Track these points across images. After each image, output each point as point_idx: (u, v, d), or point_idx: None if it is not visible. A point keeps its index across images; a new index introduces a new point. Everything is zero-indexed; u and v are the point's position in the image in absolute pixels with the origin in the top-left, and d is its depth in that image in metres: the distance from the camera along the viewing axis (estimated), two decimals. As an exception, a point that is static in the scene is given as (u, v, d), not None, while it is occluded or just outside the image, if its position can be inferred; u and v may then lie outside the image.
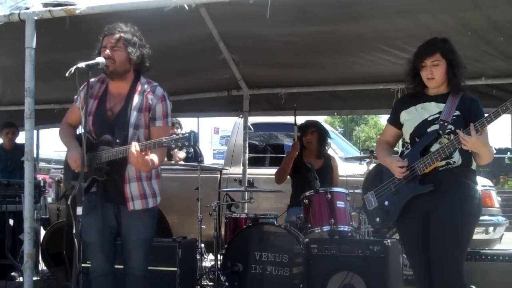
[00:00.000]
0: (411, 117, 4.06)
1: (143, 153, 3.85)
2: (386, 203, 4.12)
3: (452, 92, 3.96)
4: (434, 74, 3.93)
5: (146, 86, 4.24)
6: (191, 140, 3.81)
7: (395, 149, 4.44)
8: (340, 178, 7.12)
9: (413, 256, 4.12)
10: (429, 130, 3.94)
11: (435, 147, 3.89)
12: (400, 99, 4.33)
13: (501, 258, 4.83)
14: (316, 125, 6.88)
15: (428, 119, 3.97)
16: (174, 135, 3.87)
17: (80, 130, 4.30)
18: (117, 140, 4.06)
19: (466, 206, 3.88)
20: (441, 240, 3.81)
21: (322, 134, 6.87)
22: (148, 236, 4.28)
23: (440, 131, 3.88)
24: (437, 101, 3.99)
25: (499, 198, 8.38)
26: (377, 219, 4.20)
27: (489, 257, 4.85)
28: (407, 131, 4.07)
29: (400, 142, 4.34)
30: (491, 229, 7.48)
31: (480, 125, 3.70)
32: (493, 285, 4.71)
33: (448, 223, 3.82)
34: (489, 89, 6.40)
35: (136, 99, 4.17)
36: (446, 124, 3.87)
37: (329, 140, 7.15)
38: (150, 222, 4.30)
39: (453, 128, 3.85)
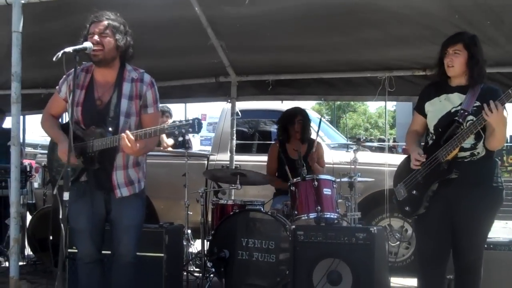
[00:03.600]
0: (435, 109, 4.16)
1: (136, 141, 3.85)
2: (414, 192, 4.21)
3: (470, 84, 4.04)
4: (454, 62, 4.04)
5: (133, 73, 4.23)
6: (195, 127, 3.81)
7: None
8: (327, 165, 7.13)
9: (426, 240, 4.20)
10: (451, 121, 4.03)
11: (456, 135, 3.97)
12: (425, 89, 4.38)
13: (486, 246, 4.84)
14: (300, 113, 6.84)
15: (452, 111, 4.06)
16: (177, 121, 3.86)
17: (65, 119, 4.27)
18: (109, 129, 4.05)
19: (492, 196, 4.02)
20: (468, 230, 3.98)
21: (307, 121, 6.87)
22: (138, 223, 4.31)
23: (460, 119, 3.96)
24: (460, 92, 4.08)
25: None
26: (407, 208, 4.30)
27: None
28: (431, 122, 4.17)
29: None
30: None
31: (501, 102, 3.79)
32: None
33: (475, 214, 3.96)
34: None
35: (125, 86, 4.17)
36: (466, 113, 3.97)
37: (311, 124, 7.13)
38: (140, 208, 4.32)
39: (473, 119, 3.92)
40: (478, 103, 3.97)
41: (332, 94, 8.01)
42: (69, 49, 3.93)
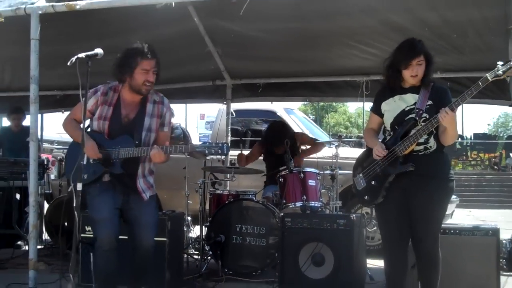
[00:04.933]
0: (390, 108, 4.10)
1: (167, 154, 4.11)
2: (373, 182, 4.15)
3: (423, 85, 4.01)
4: (418, 72, 3.96)
5: (155, 96, 4.34)
6: (224, 150, 4.07)
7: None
8: (311, 159, 7.13)
9: (386, 226, 4.16)
10: (406, 118, 3.99)
11: (412, 132, 3.94)
12: (379, 92, 4.30)
13: (452, 231, 4.86)
14: (287, 135, 6.41)
15: (406, 109, 4.01)
16: (208, 142, 4.20)
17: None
18: (136, 142, 4.18)
19: (444, 187, 4.00)
20: (424, 218, 3.95)
21: (294, 142, 6.72)
22: (157, 219, 4.47)
23: (417, 118, 3.94)
24: (413, 92, 4.03)
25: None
26: (366, 197, 4.23)
27: (441, 231, 4.88)
28: (388, 120, 4.12)
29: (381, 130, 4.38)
30: (444, 205, 7.55)
31: (455, 104, 3.77)
32: (445, 256, 4.75)
33: (429, 204, 3.94)
34: (444, 82, 6.42)
35: (148, 107, 4.29)
36: (421, 112, 3.94)
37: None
38: (155, 206, 4.50)
39: (427, 116, 3.90)
40: (430, 102, 3.95)
41: (316, 96, 8.04)
42: (82, 55, 3.93)
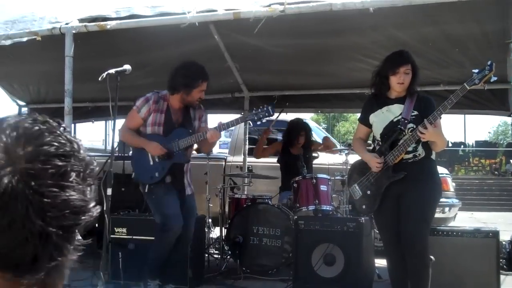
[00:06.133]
0: (378, 119, 4.06)
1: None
2: (369, 192, 4.12)
3: (408, 95, 3.97)
4: (405, 80, 3.92)
5: None
6: (270, 111, 4.38)
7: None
8: (323, 166, 7.13)
9: (385, 231, 4.13)
10: (394, 128, 3.95)
11: (401, 142, 3.90)
12: (367, 103, 4.25)
13: (454, 233, 4.84)
14: (305, 128, 6.77)
15: (394, 120, 3.98)
16: (254, 109, 4.54)
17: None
18: (190, 131, 4.56)
19: (431, 190, 3.94)
20: (412, 218, 3.85)
21: (310, 134, 6.85)
22: (195, 215, 4.94)
23: (402, 127, 3.90)
24: (399, 103, 3.99)
25: (453, 184, 8.39)
26: (363, 206, 4.20)
27: (445, 233, 4.86)
28: (377, 131, 4.07)
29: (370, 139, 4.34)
30: (447, 209, 7.51)
31: (432, 118, 3.74)
32: (448, 256, 4.73)
33: (417, 205, 3.86)
34: (447, 94, 6.36)
35: (192, 112, 4.71)
36: (406, 121, 3.90)
37: (312, 134, 7.15)
38: (195, 204, 4.90)
39: (414, 126, 3.86)
40: (416, 112, 3.91)
41: (327, 107, 8.08)
42: (112, 71, 4.01)
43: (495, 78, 3.72)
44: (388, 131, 3.98)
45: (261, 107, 4.41)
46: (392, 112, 4.00)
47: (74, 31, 4.88)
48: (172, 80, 4.48)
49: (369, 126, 4.16)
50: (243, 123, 7.21)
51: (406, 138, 3.86)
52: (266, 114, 4.37)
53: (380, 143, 4.05)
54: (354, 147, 4.36)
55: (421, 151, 3.93)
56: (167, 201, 4.48)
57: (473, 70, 3.68)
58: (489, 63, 3.73)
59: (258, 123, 4.49)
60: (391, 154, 3.92)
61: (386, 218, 4.05)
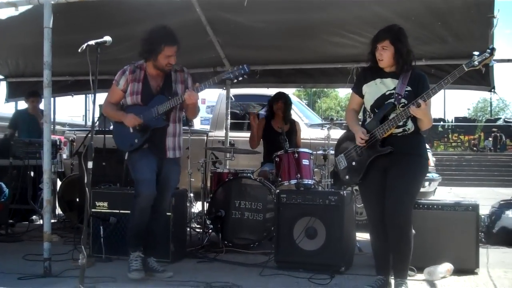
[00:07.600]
0: (371, 91, 4.04)
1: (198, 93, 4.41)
2: (354, 163, 4.12)
3: (401, 71, 3.95)
4: (383, 56, 3.93)
5: (175, 65, 4.54)
6: (245, 69, 4.34)
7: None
8: (305, 140, 7.15)
9: (370, 204, 4.11)
10: (386, 102, 3.93)
11: (391, 116, 3.90)
12: (361, 73, 4.28)
13: (435, 207, 4.89)
14: (284, 96, 6.84)
15: (386, 93, 3.96)
16: (230, 69, 4.45)
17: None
18: (169, 97, 4.45)
19: (418, 164, 3.95)
20: (396, 190, 3.86)
21: (288, 103, 6.85)
22: (176, 185, 4.84)
23: (396, 103, 3.89)
24: (393, 77, 3.98)
25: (433, 159, 8.48)
26: (347, 177, 4.20)
27: (425, 206, 4.90)
28: (368, 102, 4.05)
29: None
30: (427, 183, 7.59)
31: (426, 96, 3.74)
32: (429, 229, 4.79)
33: (403, 177, 3.87)
34: (428, 69, 6.38)
35: (173, 75, 4.58)
36: (400, 97, 3.88)
37: (293, 107, 7.15)
38: (178, 173, 4.75)
39: (406, 102, 3.85)
40: (409, 88, 3.90)
41: (309, 82, 7.99)
42: (92, 42, 3.94)
43: (494, 63, 3.73)
44: (379, 104, 3.97)
45: (236, 67, 4.36)
46: (385, 85, 3.99)
47: (52, 2, 4.75)
48: (141, 47, 4.43)
49: (362, 96, 4.14)
50: (224, 99, 7.16)
51: (398, 113, 3.85)
52: (242, 71, 4.32)
53: (370, 115, 4.05)
54: (346, 118, 4.36)
55: (410, 126, 3.93)
56: (140, 166, 4.42)
57: (474, 52, 3.66)
58: (490, 47, 3.73)
59: (235, 81, 4.45)
60: (380, 128, 3.91)
61: (371, 190, 4.06)
